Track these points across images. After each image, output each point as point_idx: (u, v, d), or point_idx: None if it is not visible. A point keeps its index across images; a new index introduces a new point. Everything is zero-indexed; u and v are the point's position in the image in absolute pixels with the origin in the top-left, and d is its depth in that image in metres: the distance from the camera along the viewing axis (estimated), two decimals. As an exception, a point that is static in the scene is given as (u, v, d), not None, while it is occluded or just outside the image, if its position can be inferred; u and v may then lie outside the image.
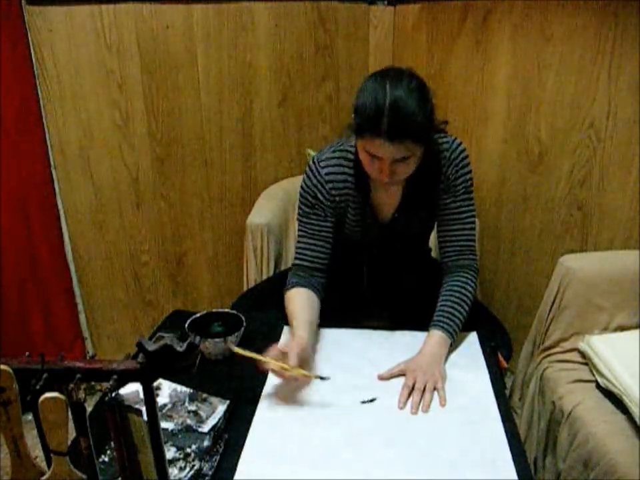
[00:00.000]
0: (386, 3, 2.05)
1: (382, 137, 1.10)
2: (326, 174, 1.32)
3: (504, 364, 1.32)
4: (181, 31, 1.88)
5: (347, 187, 1.33)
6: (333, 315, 1.45)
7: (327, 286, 1.38)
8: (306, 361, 1.18)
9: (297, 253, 1.38)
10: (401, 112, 1.10)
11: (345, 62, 2.11)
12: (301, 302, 1.32)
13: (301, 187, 1.36)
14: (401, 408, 1.13)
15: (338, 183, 1.32)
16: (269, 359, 1.13)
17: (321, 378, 1.16)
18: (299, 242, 1.38)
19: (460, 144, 1.32)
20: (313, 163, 1.33)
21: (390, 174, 1.17)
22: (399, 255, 1.47)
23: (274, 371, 1.14)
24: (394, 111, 1.09)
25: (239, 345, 1.28)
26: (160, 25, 1.86)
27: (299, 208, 1.37)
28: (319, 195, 1.32)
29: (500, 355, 1.32)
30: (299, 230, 1.38)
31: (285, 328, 1.39)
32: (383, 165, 1.16)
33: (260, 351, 1.16)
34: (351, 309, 1.49)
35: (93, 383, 0.74)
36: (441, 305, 1.31)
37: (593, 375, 1.44)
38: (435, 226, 1.43)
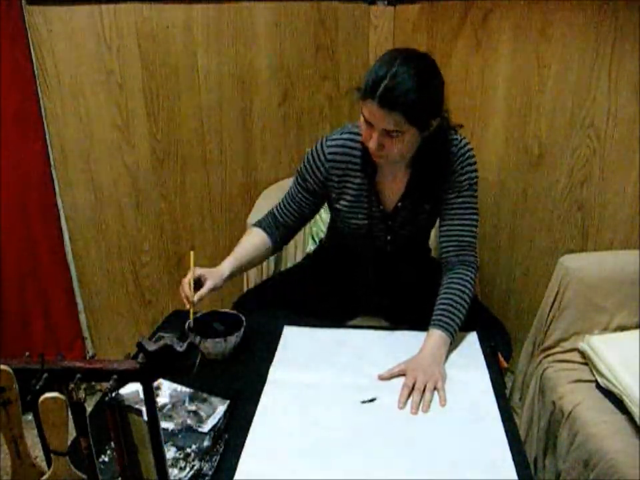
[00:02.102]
0: (386, 2, 2.04)
1: (375, 101, 1.15)
2: (329, 153, 1.35)
3: (504, 364, 1.32)
4: (181, 31, 1.88)
5: (349, 169, 1.35)
6: (335, 310, 1.46)
7: (288, 240, 1.49)
8: (214, 290, 1.28)
9: (278, 204, 1.46)
10: (399, 83, 1.14)
11: (345, 62, 2.10)
12: (251, 240, 1.42)
13: (304, 159, 1.41)
14: (401, 408, 1.13)
15: (341, 163, 1.35)
16: (186, 281, 1.24)
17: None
18: (284, 197, 1.46)
19: (468, 143, 1.35)
20: (321, 142, 1.37)
21: (378, 145, 1.21)
22: (400, 249, 1.48)
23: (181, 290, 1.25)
24: (393, 80, 1.14)
25: (238, 345, 1.29)
26: (160, 25, 1.86)
27: (296, 171, 1.43)
28: (317, 172, 1.37)
29: (500, 354, 1.32)
30: (290, 188, 1.46)
31: (285, 328, 1.39)
32: (373, 133, 1.20)
33: (261, 353, 1.15)
34: (353, 299, 1.49)
35: (93, 383, 0.75)
36: (441, 304, 1.31)
37: (593, 375, 1.44)
38: (437, 222, 1.43)
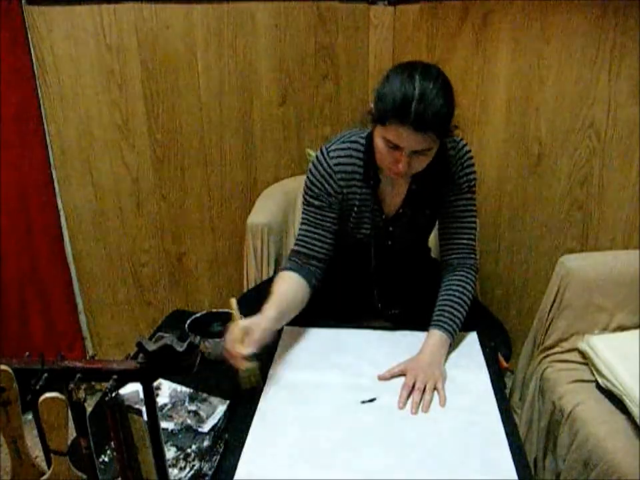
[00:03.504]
0: (386, 2, 2.05)
1: (408, 125, 1.10)
2: (335, 164, 1.31)
3: (504, 364, 1.32)
4: (181, 30, 1.88)
5: (354, 179, 1.33)
6: (336, 314, 1.45)
7: (322, 276, 1.35)
8: (263, 344, 1.14)
9: (297, 239, 1.36)
10: (430, 103, 1.10)
11: (345, 62, 2.10)
12: (285, 286, 1.28)
13: (307, 178, 1.34)
14: (401, 408, 1.13)
15: (347, 174, 1.32)
16: (236, 335, 1.09)
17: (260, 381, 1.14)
18: (300, 229, 1.36)
19: (465, 144, 1.34)
20: (321, 153, 1.32)
21: (405, 165, 1.17)
22: (401, 253, 1.47)
23: (227, 351, 1.10)
24: (423, 101, 1.09)
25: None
26: (160, 25, 1.85)
27: (304, 197, 1.36)
28: (327, 186, 1.31)
29: (500, 355, 1.32)
30: (301, 218, 1.37)
31: (285, 328, 1.39)
32: (401, 156, 1.16)
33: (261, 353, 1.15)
34: (356, 305, 1.49)
35: (92, 383, 0.75)
36: (441, 305, 1.31)
37: (593, 375, 1.44)
38: (437, 224, 1.43)
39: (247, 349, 1.08)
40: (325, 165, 1.31)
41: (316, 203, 1.33)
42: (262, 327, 1.14)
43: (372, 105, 1.19)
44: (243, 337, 1.10)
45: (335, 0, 2.02)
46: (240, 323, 1.12)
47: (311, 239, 1.33)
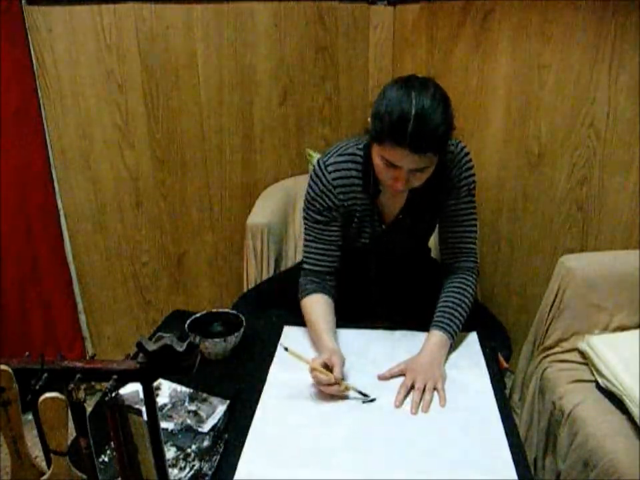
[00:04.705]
0: (386, 3, 2.05)
1: (405, 146, 1.08)
2: (333, 179, 1.30)
3: (504, 364, 1.32)
4: (181, 31, 1.88)
5: (353, 191, 1.32)
6: (339, 316, 1.46)
7: (336, 288, 1.38)
8: (344, 365, 1.19)
9: (306, 257, 1.37)
10: (427, 123, 1.08)
11: (345, 62, 2.10)
12: (322, 310, 1.32)
13: (307, 193, 1.33)
14: (397, 406, 1.13)
15: (346, 187, 1.31)
16: (318, 367, 1.13)
17: (364, 395, 1.16)
18: (307, 246, 1.37)
19: (464, 147, 1.32)
20: (319, 168, 1.31)
21: (405, 182, 1.17)
22: (401, 258, 1.47)
23: (317, 381, 1.14)
24: (419, 121, 1.07)
25: (238, 345, 1.29)
26: (160, 25, 1.86)
27: (306, 212, 1.35)
28: (327, 201, 1.31)
29: (500, 355, 1.32)
30: (306, 234, 1.37)
31: (285, 328, 1.39)
32: (400, 174, 1.15)
33: (261, 353, 1.16)
34: (356, 310, 1.49)
35: (92, 383, 0.75)
36: (442, 306, 1.31)
37: (593, 375, 1.44)
38: (437, 227, 1.43)
39: (336, 373, 1.14)
40: (324, 180, 1.30)
41: (319, 218, 1.33)
42: (337, 355, 1.19)
43: (369, 121, 1.17)
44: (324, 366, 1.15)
45: (334, 0, 2.02)
46: (317, 361, 1.15)
47: (321, 256, 1.35)
